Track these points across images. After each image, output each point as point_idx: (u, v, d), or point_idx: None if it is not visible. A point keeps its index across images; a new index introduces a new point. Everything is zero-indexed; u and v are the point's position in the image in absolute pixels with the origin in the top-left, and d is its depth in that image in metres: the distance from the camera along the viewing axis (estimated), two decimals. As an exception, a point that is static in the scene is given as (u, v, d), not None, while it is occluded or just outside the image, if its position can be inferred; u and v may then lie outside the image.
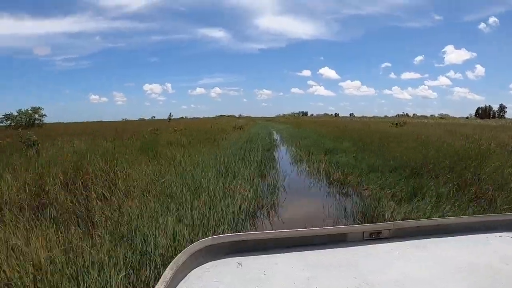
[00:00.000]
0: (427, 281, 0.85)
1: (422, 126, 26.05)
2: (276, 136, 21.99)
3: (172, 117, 51.24)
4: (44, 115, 35.81)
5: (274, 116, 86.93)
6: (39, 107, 35.47)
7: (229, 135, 19.05)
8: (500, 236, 1.10)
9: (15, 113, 33.81)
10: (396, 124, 27.61)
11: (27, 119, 33.62)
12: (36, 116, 35.12)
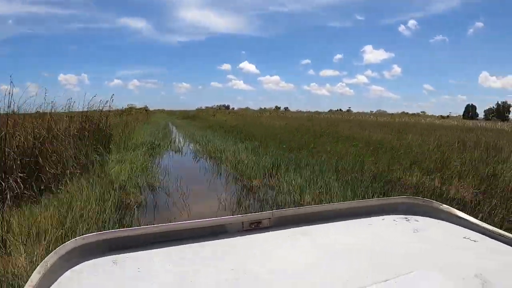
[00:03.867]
0: (307, 265, 0.87)
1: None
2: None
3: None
4: None
5: (195, 109, 77.73)
6: None
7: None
8: (383, 219, 1.17)
9: None
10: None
11: None
12: None
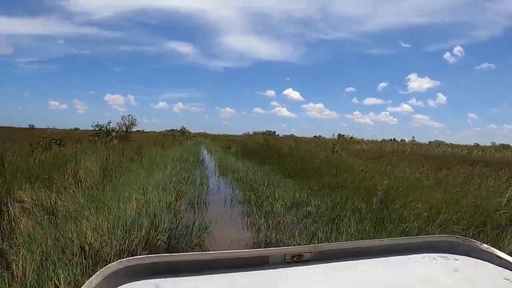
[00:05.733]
0: None
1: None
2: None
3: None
4: None
5: (241, 135, 69.57)
6: None
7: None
8: (423, 258, 1.14)
9: None
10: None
11: None
12: None
